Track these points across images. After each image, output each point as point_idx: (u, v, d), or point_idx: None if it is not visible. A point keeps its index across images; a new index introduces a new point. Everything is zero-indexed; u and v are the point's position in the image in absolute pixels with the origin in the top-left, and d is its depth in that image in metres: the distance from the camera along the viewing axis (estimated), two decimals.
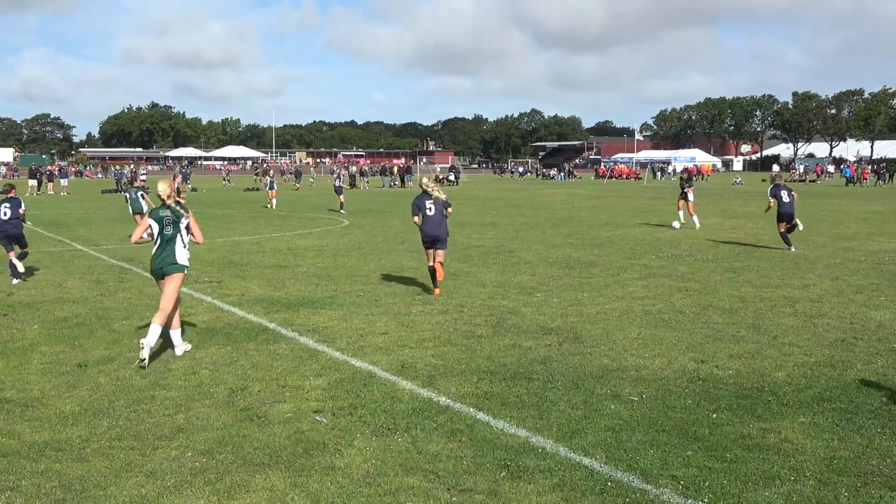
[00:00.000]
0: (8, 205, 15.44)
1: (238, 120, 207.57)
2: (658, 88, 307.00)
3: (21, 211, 15.52)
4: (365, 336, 10.25)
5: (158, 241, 9.32)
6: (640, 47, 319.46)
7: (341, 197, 36.06)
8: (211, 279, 15.14)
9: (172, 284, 9.27)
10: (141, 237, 9.45)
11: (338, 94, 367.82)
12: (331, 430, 6.75)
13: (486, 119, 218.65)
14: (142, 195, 24.37)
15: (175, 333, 9.49)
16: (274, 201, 37.42)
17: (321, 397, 7.68)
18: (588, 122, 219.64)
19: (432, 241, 13.18)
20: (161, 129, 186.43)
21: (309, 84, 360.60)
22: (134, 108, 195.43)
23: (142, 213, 23.44)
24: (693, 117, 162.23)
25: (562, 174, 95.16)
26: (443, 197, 13.36)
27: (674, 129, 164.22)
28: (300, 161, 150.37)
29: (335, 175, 40.16)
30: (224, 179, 76.58)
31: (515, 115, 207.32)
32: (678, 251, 19.02)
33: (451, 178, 76.79)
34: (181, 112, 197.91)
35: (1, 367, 8.90)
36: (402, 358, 9.12)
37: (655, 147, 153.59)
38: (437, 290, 13.32)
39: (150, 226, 9.35)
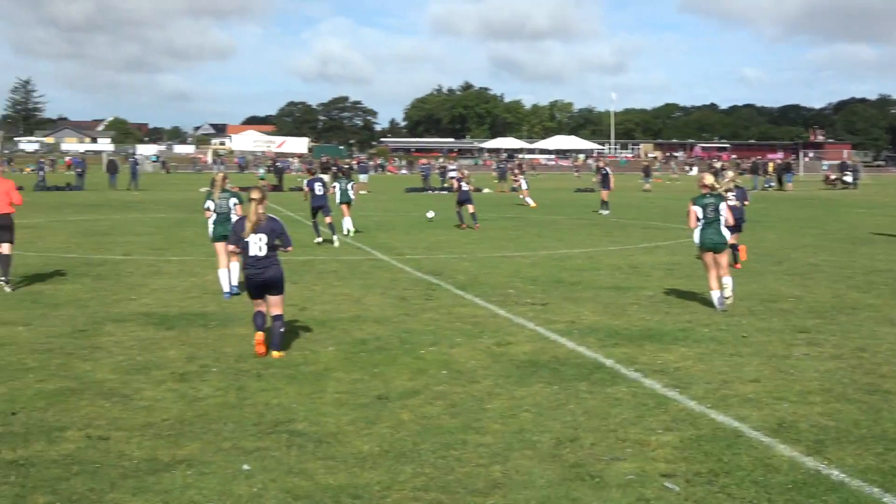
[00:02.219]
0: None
1: (570, 104, 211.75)
2: None
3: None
4: (729, 382, 10.08)
5: (703, 223, 14.72)
6: None
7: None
8: (534, 300, 15.57)
9: (724, 259, 14.87)
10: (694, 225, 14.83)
11: (694, 71, 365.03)
12: (684, 502, 6.71)
13: None
14: (351, 186, 26.92)
15: (728, 280, 14.80)
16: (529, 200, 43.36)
17: (671, 458, 7.65)
18: None
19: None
20: (476, 114, 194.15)
21: (658, 58, 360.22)
22: (444, 90, 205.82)
23: (349, 203, 26.28)
24: None
25: None
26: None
27: None
28: (645, 154, 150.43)
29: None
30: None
31: None
32: None
33: (848, 178, 72.61)
34: (499, 94, 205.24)
35: (293, 393, 9.70)
36: (779, 414, 8.88)
37: None
38: (737, 266, 19.16)
39: (695, 212, 14.73)
